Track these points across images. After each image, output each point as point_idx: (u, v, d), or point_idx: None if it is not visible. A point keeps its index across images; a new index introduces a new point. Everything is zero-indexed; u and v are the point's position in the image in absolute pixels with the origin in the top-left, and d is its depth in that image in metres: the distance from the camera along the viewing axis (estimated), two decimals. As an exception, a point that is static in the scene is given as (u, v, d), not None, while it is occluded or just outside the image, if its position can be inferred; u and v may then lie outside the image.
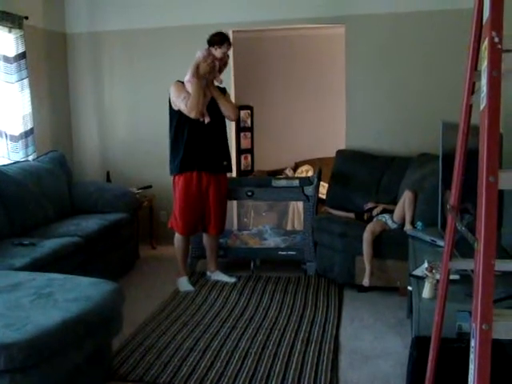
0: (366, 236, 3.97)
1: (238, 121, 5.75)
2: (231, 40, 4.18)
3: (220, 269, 4.50)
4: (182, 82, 4.14)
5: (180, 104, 4.05)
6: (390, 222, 4.04)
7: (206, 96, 4.11)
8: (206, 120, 4.08)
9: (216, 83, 4.19)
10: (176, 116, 4.13)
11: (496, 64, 1.20)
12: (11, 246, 3.71)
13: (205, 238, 4.47)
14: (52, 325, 2.29)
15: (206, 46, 4.11)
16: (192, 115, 4.02)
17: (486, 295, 1.20)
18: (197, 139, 4.12)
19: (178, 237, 4.31)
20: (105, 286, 2.78)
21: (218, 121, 4.20)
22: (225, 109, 4.20)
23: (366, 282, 3.99)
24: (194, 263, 4.67)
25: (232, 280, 4.41)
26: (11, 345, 2.11)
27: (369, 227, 4.01)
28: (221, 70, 4.18)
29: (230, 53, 5.27)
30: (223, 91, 4.30)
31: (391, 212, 4.17)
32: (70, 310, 2.45)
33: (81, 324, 2.45)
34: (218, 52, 4.05)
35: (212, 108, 4.15)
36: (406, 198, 3.96)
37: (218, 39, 4.05)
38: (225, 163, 4.31)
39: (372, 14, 4.93)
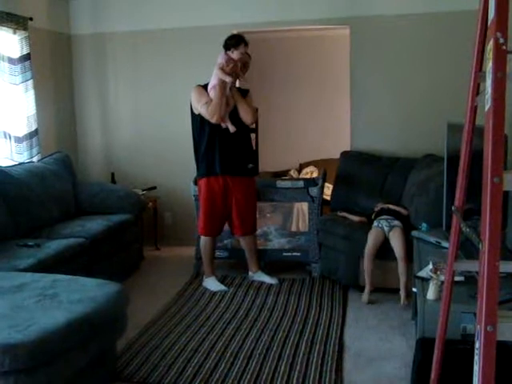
0: (368, 252, 3.91)
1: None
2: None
3: (225, 270, 4.49)
4: (203, 86, 4.15)
5: (201, 109, 4.06)
6: (387, 229, 3.97)
7: (229, 104, 4.11)
8: (232, 129, 4.09)
9: (238, 85, 4.20)
10: (197, 120, 4.16)
11: (501, 65, 1.20)
12: (16, 247, 3.72)
13: (241, 241, 4.47)
14: (56, 326, 2.30)
15: (223, 50, 4.13)
16: (213, 120, 4.04)
17: (491, 297, 1.20)
18: (219, 143, 4.14)
19: (203, 238, 4.33)
20: (109, 288, 2.78)
21: (241, 124, 4.18)
22: (243, 112, 4.17)
23: (364, 299, 3.94)
24: (198, 264, 4.67)
25: (273, 281, 4.39)
26: (16, 346, 2.12)
27: (370, 241, 3.92)
28: (243, 71, 4.20)
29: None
30: (245, 93, 4.30)
31: (388, 212, 4.12)
32: (74, 311, 2.46)
33: (85, 325, 2.45)
34: (235, 54, 4.06)
35: (235, 111, 4.14)
36: (395, 235, 3.89)
37: (233, 42, 4.07)
38: (250, 166, 4.31)
39: (376, 15, 4.93)
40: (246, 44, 4.09)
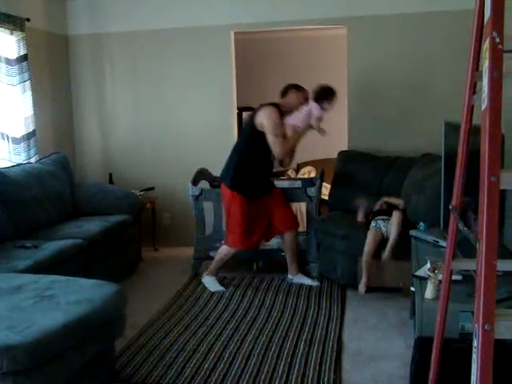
0: (367, 249, 3.95)
1: (240, 122, 5.76)
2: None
3: (223, 270, 4.49)
4: (277, 108, 4.12)
5: (271, 137, 4.04)
6: (384, 230, 4.00)
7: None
8: (277, 167, 4.34)
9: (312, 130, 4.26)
10: (257, 138, 4.11)
11: (497, 64, 1.20)
12: (14, 248, 3.72)
13: (283, 242, 4.45)
14: (54, 327, 2.30)
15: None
16: (278, 157, 4.16)
17: (488, 295, 1.20)
18: (263, 167, 4.26)
19: (228, 249, 4.29)
20: (107, 288, 2.78)
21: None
22: (289, 159, 4.35)
23: (361, 289, 3.99)
24: (197, 265, 4.67)
25: (315, 283, 4.37)
26: (14, 347, 2.12)
27: (369, 240, 3.96)
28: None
29: (232, 56, 5.32)
30: None
31: (386, 212, 4.14)
32: (72, 312, 2.46)
33: (83, 326, 2.45)
34: (327, 106, 4.16)
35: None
36: (395, 217, 3.97)
37: (328, 95, 4.16)
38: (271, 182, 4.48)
39: (373, 15, 4.93)
40: (336, 96, 4.20)
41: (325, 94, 4.15)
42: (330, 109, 4.19)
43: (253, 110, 4.25)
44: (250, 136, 4.18)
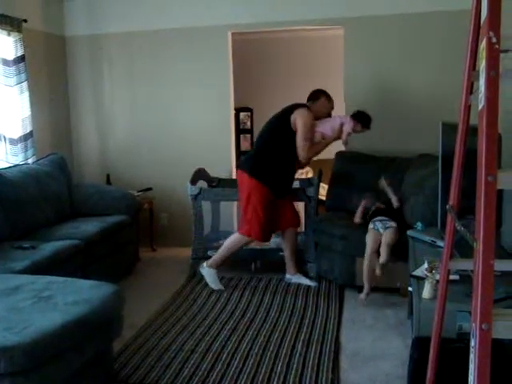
0: (368, 256, 3.92)
1: (237, 122, 5.77)
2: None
3: (221, 270, 4.48)
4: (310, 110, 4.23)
5: (301, 139, 4.12)
6: (382, 231, 3.99)
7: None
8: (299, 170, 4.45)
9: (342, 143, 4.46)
10: (288, 136, 4.16)
11: (494, 64, 1.21)
12: (11, 249, 3.71)
13: (283, 239, 4.47)
14: (52, 328, 2.29)
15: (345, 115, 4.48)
16: (302, 159, 4.23)
17: (486, 295, 1.20)
18: (288, 166, 4.31)
19: (240, 239, 4.28)
20: (105, 289, 2.78)
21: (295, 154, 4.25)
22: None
23: (362, 298, 3.94)
24: (195, 265, 4.67)
25: (313, 284, 4.38)
26: (11, 348, 2.11)
27: (369, 244, 3.94)
28: None
29: (230, 56, 5.32)
30: None
31: (384, 213, 4.13)
32: (70, 312, 2.45)
33: (81, 327, 2.45)
34: (358, 128, 4.29)
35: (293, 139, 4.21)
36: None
37: (365, 120, 4.30)
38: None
39: (370, 15, 4.93)
40: (369, 127, 4.34)
41: (363, 118, 4.30)
42: (357, 133, 4.34)
43: (288, 107, 4.30)
44: (279, 131, 4.21)
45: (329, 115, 4.40)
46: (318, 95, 4.34)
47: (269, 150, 4.22)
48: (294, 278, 4.46)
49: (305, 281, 4.42)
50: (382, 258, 3.85)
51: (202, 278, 4.46)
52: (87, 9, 5.54)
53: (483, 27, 1.25)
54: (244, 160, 4.36)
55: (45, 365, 2.25)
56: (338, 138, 4.32)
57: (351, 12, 4.97)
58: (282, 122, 4.18)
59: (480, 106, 1.24)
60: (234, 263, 4.66)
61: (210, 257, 4.47)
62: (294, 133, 4.14)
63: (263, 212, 4.16)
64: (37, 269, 3.37)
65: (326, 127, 4.26)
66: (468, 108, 1.69)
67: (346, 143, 4.40)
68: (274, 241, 4.75)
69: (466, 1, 1.75)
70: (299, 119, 4.12)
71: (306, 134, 4.12)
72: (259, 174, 4.17)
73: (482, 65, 1.23)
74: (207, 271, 4.34)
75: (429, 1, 4.79)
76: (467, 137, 1.73)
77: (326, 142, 4.29)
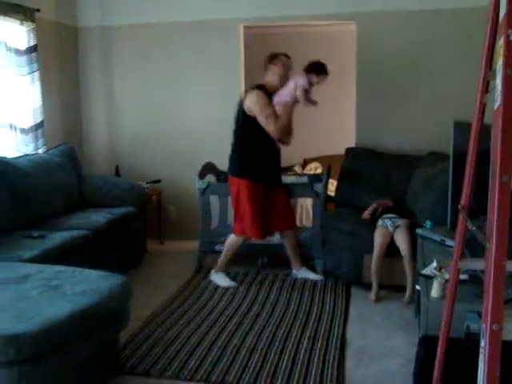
0: (376, 254, 3.91)
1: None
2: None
3: (228, 266, 4.49)
4: (261, 89, 4.09)
5: (263, 119, 4.03)
6: (391, 228, 3.97)
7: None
8: (278, 147, 4.24)
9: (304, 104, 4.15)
10: (251, 123, 4.09)
11: (511, 62, 1.19)
12: (20, 238, 3.73)
13: (282, 239, 4.46)
14: (60, 317, 2.31)
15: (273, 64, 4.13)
16: (276, 136, 4.10)
17: (497, 296, 1.20)
18: (266, 151, 4.20)
19: (237, 239, 4.29)
20: (113, 280, 2.78)
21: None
22: (287, 136, 4.29)
23: (372, 297, 3.93)
24: (202, 258, 4.68)
25: (319, 278, 4.39)
26: (20, 336, 2.13)
27: (377, 242, 3.92)
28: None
29: (241, 50, 5.31)
30: None
31: (393, 210, 4.12)
32: (78, 302, 2.46)
33: (89, 316, 2.46)
34: (315, 80, 4.08)
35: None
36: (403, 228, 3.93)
37: (317, 68, 4.09)
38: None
39: (382, 10, 4.90)
40: (327, 73, 4.12)
41: (315, 68, 4.08)
42: (318, 84, 4.10)
43: (242, 97, 4.22)
44: (244, 121, 4.15)
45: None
46: (265, 66, 4.17)
47: (242, 144, 4.20)
48: (299, 273, 4.46)
49: (311, 275, 4.42)
50: (405, 257, 3.84)
51: (208, 271, 4.46)
52: (100, 0, 5.54)
53: (501, 25, 1.24)
54: (230, 165, 4.32)
55: (52, 354, 2.26)
56: (298, 99, 4.09)
57: (363, 7, 4.94)
58: (241, 114, 4.13)
59: (496, 105, 1.23)
60: (240, 258, 4.65)
61: (217, 251, 4.48)
62: (254, 118, 4.06)
63: (253, 207, 4.14)
64: (46, 258, 3.39)
65: (282, 96, 4.09)
66: (483, 107, 1.68)
67: (307, 102, 4.09)
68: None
69: (483, -2, 1.74)
70: (249, 104, 4.04)
71: (264, 112, 4.01)
72: (241, 171, 4.18)
73: (499, 63, 1.22)
74: (216, 277, 4.36)
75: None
76: (481, 136, 1.72)
77: (288, 110, 4.07)
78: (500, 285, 1.20)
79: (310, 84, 4.08)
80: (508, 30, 1.19)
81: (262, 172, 4.19)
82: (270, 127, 4.03)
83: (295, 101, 4.06)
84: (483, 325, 1.22)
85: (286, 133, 4.25)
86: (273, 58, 4.15)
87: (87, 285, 2.68)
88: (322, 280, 4.36)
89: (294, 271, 4.49)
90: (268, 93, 4.09)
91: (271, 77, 4.13)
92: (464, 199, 1.79)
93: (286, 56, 4.19)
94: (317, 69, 4.08)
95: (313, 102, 4.14)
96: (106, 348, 2.75)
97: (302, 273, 4.46)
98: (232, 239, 4.33)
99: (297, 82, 4.04)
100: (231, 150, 4.28)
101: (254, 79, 4.51)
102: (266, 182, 4.21)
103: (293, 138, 4.35)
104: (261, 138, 4.12)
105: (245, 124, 4.13)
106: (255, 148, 4.17)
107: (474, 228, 1.56)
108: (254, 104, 4.03)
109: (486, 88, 1.62)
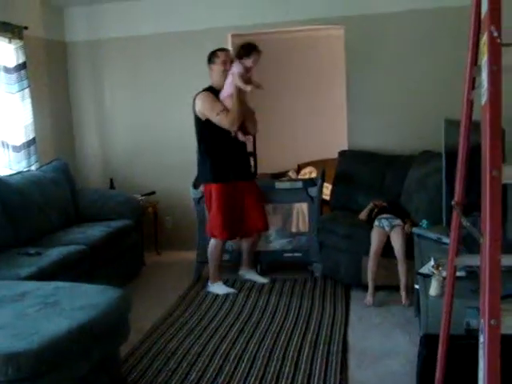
0: (372, 254, 3.90)
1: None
2: (256, 47, 4.14)
3: (226, 272, 4.48)
4: (210, 92, 4.12)
5: (217, 117, 4.05)
6: (387, 228, 3.97)
7: (243, 113, 4.14)
8: (242, 138, 4.19)
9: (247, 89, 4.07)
10: (205, 127, 4.13)
11: (495, 58, 1.20)
12: (17, 255, 3.72)
13: (244, 242, 4.50)
14: (59, 334, 2.29)
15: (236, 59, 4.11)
16: (233, 128, 4.09)
17: (494, 290, 1.20)
18: (230, 149, 4.20)
19: (215, 243, 4.30)
20: (111, 293, 2.77)
21: (243, 131, 4.23)
22: (251, 121, 4.28)
23: (368, 300, 3.91)
24: (200, 267, 4.67)
25: (265, 281, 4.45)
26: (18, 354, 2.11)
27: (374, 242, 3.92)
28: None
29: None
30: None
31: (389, 210, 4.12)
32: (76, 318, 2.45)
33: (88, 332, 2.44)
34: (248, 62, 4.06)
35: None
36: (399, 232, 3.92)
37: (246, 50, 4.08)
38: (251, 169, 4.50)
39: (370, 14, 4.93)
40: (258, 51, 4.10)
41: (245, 52, 4.07)
42: (252, 64, 4.07)
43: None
44: (200, 127, 4.19)
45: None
46: (209, 66, 4.19)
47: (204, 150, 4.21)
48: (247, 274, 4.53)
49: (257, 278, 4.49)
50: (399, 257, 3.85)
51: (207, 280, 4.45)
52: (87, 14, 5.55)
53: (484, 21, 1.25)
54: (198, 174, 4.42)
55: (52, 371, 2.25)
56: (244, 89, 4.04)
57: (351, 11, 4.95)
58: (195, 120, 4.18)
59: (483, 101, 1.23)
60: (238, 265, 4.65)
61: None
62: (209, 121, 4.09)
63: (222, 208, 4.16)
64: (43, 275, 3.37)
65: (227, 89, 4.09)
66: (470, 103, 1.69)
67: (247, 86, 3.98)
68: (279, 242, 4.76)
69: (466, -4, 1.75)
70: (198, 108, 4.10)
71: (214, 110, 4.03)
72: (209, 176, 4.21)
73: (484, 59, 1.23)
74: (213, 287, 4.35)
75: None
76: (470, 132, 1.73)
77: (234, 100, 4.03)
78: (496, 279, 1.20)
79: (247, 68, 4.06)
80: (490, 26, 1.19)
81: (229, 171, 4.19)
82: (223, 122, 4.05)
83: (239, 89, 4.02)
84: (481, 320, 1.22)
85: (251, 123, 4.26)
86: (210, 57, 4.18)
87: (85, 300, 2.67)
88: (268, 283, 4.42)
89: (242, 271, 4.55)
90: (217, 92, 4.13)
91: (214, 76, 4.17)
92: (457, 196, 1.80)
93: (223, 49, 4.23)
94: (246, 52, 4.07)
95: (256, 86, 4.10)
96: (106, 362, 2.73)
97: (250, 275, 4.52)
98: (210, 245, 4.34)
99: (233, 72, 4.04)
100: (197, 159, 4.32)
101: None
102: (236, 179, 4.21)
103: (257, 129, 4.37)
104: (220, 138, 4.14)
105: (201, 129, 4.18)
106: (217, 149, 4.18)
107: (468, 224, 1.57)
108: (202, 106, 4.09)
109: (473, 85, 1.63)
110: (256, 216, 4.34)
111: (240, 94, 4.05)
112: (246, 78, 4.05)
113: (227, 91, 4.08)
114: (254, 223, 4.35)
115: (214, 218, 4.23)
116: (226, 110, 4.05)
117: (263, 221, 4.40)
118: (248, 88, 4.00)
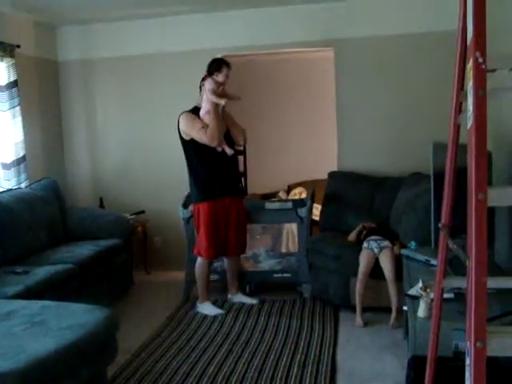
0: (361, 276, 3.91)
1: (228, 144, 5.77)
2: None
3: (215, 293, 4.46)
4: (191, 112, 4.19)
5: (197, 134, 4.10)
6: (376, 250, 3.98)
7: (223, 127, 4.19)
8: (229, 152, 4.20)
9: (223, 103, 4.13)
10: (190, 146, 4.18)
11: (481, 84, 1.22)
12: (4, 273, 3.69)
13: (226, 262, 4.48)
14: (46, 353, 2.27)
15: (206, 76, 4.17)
16: (213, 144, 4.10)
17: (479, 313, 1.20)
18: (215, 167, 4.21)
19: (202, 262, 4.30)
20: (99, 313, 2.75)
21: (231, 145, 4.26)
22: (236, 133, 4.32)
23: (358, 322, 3.91)
24: (189, 287, 4.64)
25: (254, 301, 4.43)
26: (5, 375, 2.09)
27: (362, 264, 3.92)
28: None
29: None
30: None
31: (377, 232, 4.13)
32: (63, 337, 2.43)
33: (75, 352, 2.42)
34: (220, 77, 4.13)
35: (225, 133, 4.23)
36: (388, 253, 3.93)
37: (216, 66, 4.15)
38: (240, 185, 4.47)
39: (359, 37, 5.00)
40: (229, 66, 4.17)
41: (214, 68, 4.15)
42: (224, 78, 4.13)
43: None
44: (185, 147, 4.24)
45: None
46: (200, 90, 4.24)
47: (192, 169, 4.26)
48: (235, 297, 4.51)
49: (246, 299, 4.47)
50: (389, 279, 3.85)
51: (196, 300, 4.43)
52: (80, 34, 5.59)
53: (470, 48, 1.28)
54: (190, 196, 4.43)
55: (38, 391, 2.22)
56: (215, 102, 4.10)
57: (340, 34, 5.03)
58: (180, 140, 4.24)
59: (469, 125, 1.25)
60: (226, 285, 4.63)
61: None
62: (192, 140, 4.15)
63: (209, 227, 4.17)
64: (30, 293, 3.35)
65: (204, 106, 4.17)
66: (457, 127, 1.71)
67: (218, 99, 4.05)
68: (269, 262, 4.76)
69: (453, 22, 1.78)
70: (181, 128, 4.18)
71: (195, 128, 4.11)
72: (197, 196, 4.24)
73: (470, 84, 1.25)
74: (202, 307, 4.34)
75: (416, 22, 4.86)
76: (457, 155, 1.75)
77: (211, 115, 4.09)
78: (481, 302, 1.21)
79: (219, 83, 4.13)
80: (476, 52, 1.22)
81: (214, 187, 4.20)
82: (203, 138, 4.09)
83: (215, 104, 4.10)
84: (467, 342, 1.23)
85: (237, 132, 4.31)
86: (204, 80, 4.21)
87: (72, 319, 2.65)
88: (257, 303, 4.41)
89: (230, 295, 4.53)
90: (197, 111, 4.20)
91: (201, 97, 4.23)
92: (444, 218, 1.81)
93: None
94: (217, 67, 4.16)
95: (231, 97, 4.18)
96: (94, 382, 2.71)
97: (238, 297, 4.50)
98: (197, 264, 4.34)
99: (207, 89, 4.13)
100: (188, 179, 4.35)
101: (234, 107, 4.54)
102: (222, 195, 4.21)
103: (245, 137, 4.40)
104: (206, 156, 4.17)
105: (187, 148, 4.23)
106: (202, 167, 4.20)
107: (454, 246, 1.58)
108: (184, 126, 4.16)
109: (460, 109, 1.66)
110: (240, 240, 4.35)
111: (217, 108, 4.12)
112: (220, 91, 4.13)
113: (205, 108, 4.16)
114: (236, 246, 4.34)
115: (201, 237, 4.24)
116: (206, 126, 4.11)
117: (242, 245, 4.41)
118: (222, 101, 4.08)
